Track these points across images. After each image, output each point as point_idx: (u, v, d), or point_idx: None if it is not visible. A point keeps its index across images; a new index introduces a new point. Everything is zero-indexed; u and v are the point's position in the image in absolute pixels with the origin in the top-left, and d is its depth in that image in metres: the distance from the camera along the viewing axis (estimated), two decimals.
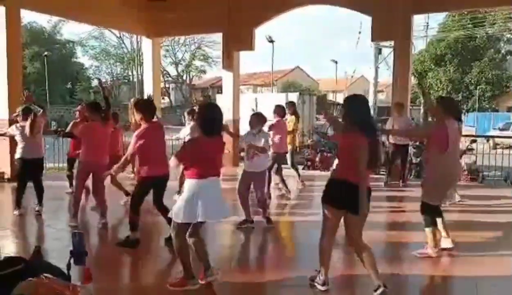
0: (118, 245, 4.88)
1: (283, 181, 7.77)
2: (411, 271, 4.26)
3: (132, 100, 5.87)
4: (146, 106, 4.75)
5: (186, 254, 3.71)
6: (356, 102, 3.61)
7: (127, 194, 6.75)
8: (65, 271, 3.20)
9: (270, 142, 6.11)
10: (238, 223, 5.62)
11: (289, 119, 8.30)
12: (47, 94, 35.18)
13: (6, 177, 8.90)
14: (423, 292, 4.05)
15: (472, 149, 9.89)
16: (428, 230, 4.50)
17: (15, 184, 7.38)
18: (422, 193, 4.60)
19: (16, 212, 6.15)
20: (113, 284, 4.00)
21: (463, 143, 8.51)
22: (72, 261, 3.21)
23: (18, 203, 6.21)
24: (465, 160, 9.56)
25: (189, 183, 3.63)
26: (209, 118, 3.68)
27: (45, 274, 3.01)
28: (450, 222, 5.74)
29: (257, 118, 5.76)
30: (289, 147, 8.18)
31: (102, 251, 5.06)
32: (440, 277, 4.28)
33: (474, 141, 10.18)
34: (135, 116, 4.79)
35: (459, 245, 4.80)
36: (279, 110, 7.66)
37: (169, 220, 4.13)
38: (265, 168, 5.81)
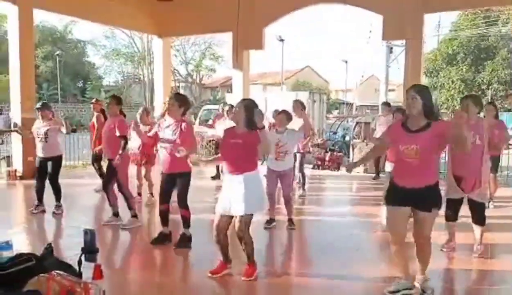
0: (177, 247, 4.74)
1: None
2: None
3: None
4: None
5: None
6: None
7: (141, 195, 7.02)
8: (76, 268, 3.24)
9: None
10: (265, 223, 5.58)
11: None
12: (59, 93, 35.56)
13: (18, 174, 9.02)
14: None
15: None
16: (483, 228, 4.56)
17: (27, 182, 7.49)
18: (484, 194, 4.55)
19: None
20: (124, 281, 4.04)
21: None
22: (83, 258, 3.24)
23: None
24: None
25: (256, 175, 3.82)
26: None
27: (57, 271, 3.05)
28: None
29: (287, 116, 5.60)
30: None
31: (113, 248, 5.09)
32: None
33: None
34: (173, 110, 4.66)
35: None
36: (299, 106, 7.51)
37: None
38: (292, 165, 5.67)
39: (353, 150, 11.02)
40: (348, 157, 11.64)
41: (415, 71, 9.56)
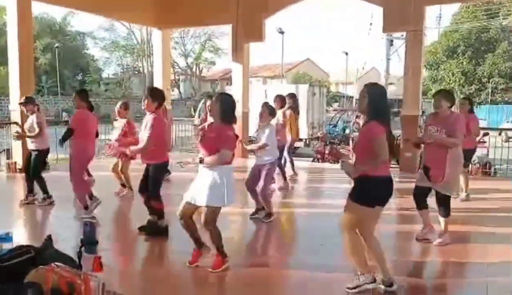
0: (143, 232, 4.89)
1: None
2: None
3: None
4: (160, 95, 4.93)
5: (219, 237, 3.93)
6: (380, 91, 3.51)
7: (126, 187, 7.01)
8: (76, 260, 3.25)
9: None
10: (251, 214, 5.67)
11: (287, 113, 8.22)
12: (58, 85, 35.48)
13: (18, 167, 9.01)
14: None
15: (484, 142, 9.78)
16: (447, 219, 4.64)
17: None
18: (447, 186, 4.51)
19: None
20: (124, 272, 4.05)
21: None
22: (83, 249, 3.25)
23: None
24: (477, 153, 9.46)
25: (221, 169, 3.74)
26: (232, 106, 3.85)
27: (56, 263, 3.05)
28: (460, 215, 5.75)
29: (269, 111, 5.67)
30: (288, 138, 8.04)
31: (114, 239, 5.10)
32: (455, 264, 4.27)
33: (486, 134, 10.06)
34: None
35: (470, 237, 4.80)
36: (279, 100, 7.55)
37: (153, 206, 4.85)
38: (270, 160, 5.60)
39: (353, 142, 11.02)
40: (349, 150, 11.63)
41: (416, 64, 9.53)
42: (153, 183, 4.86)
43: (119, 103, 7.07)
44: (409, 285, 3.75)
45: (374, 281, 3.47)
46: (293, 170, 8.48)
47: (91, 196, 5.70)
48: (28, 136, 6.32)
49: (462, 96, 31.49)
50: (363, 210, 3.37)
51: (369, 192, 3.35)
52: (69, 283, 2.80)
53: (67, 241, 4.66)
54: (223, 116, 3.79)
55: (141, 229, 5.02)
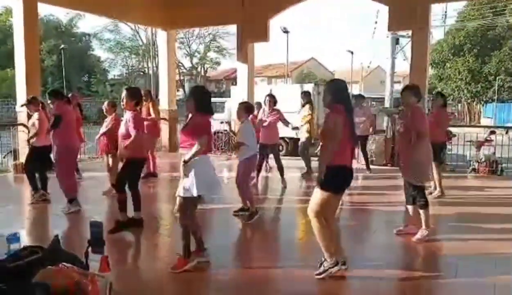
0: (116, 230, 4.91)
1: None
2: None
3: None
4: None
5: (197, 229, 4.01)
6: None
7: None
8: (83, 260, 3.26)
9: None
10: (234, 211, 5.75)
11: (304, 109, 8.41)
12: (64, 87, 35.62)
13: None
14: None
15: (491, 140, 9.71)
16: (425, 212, 4.67)
17: None
18: (411, 176, 4.64)
19: None
20: (130, 272, 4.07)
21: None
22: (90, 250, 3.26)
23: None
24: (483, 151, 9.40)
25: (198, 161, 3.79)
26: (205, 98, 3.96)
27: (64, 263, 3.06)
28: (468, 214, 5.71)
29: (244, 109, 5.73)
30: (305, 135, 8.31)
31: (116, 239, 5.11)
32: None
33: (493, 132, 9.99)
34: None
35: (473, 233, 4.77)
36: (271, 100, 7.63)
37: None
38: (246, 156, 5.58)
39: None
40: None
41: (421, 62, 9.47)
42: (121, 175, 5.03)
43: (106, 101, 7.26)
44: (409, 281, 3.77)
45: (337, 264, 3.69)
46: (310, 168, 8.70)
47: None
48: (31, 137, 6.49)
49: (468, 94, 31.36)
50: (325, 195, 3.62)
51: (330, 179, 3.60)
52: (77, 283, 2.81)
53: (74, 241, 4.70)
54: (197, 108, 3.87)
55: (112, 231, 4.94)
